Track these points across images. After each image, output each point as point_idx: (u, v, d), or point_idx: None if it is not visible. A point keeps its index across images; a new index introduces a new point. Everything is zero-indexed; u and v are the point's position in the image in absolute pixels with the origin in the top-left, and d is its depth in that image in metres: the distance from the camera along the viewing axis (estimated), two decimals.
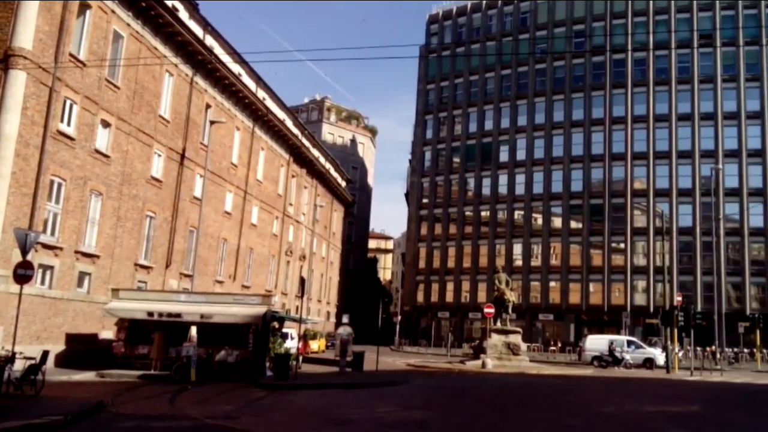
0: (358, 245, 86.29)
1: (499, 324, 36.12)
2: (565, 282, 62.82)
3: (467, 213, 69.31)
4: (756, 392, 25.26)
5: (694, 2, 62.06)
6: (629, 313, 56.20)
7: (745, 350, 49.71)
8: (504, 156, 68.16)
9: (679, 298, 38.52)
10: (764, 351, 48.79)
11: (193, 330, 22.75)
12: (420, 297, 70.02)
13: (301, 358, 28.33)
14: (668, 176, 60.67)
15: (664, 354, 36.42)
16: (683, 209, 59.83)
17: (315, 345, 45.01)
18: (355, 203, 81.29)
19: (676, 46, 61.83)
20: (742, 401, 21.86)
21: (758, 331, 41.98)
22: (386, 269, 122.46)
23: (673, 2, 62.75)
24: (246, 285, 42.63)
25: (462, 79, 72.11)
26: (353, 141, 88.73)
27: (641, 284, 60.37)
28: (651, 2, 63.45)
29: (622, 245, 61.27)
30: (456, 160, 71.32)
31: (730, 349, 49.26)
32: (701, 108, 60.72)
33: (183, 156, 32.88)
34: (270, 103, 46.57)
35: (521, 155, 67.11)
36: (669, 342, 35.60)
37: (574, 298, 62.14)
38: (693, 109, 60.81)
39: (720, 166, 56.58)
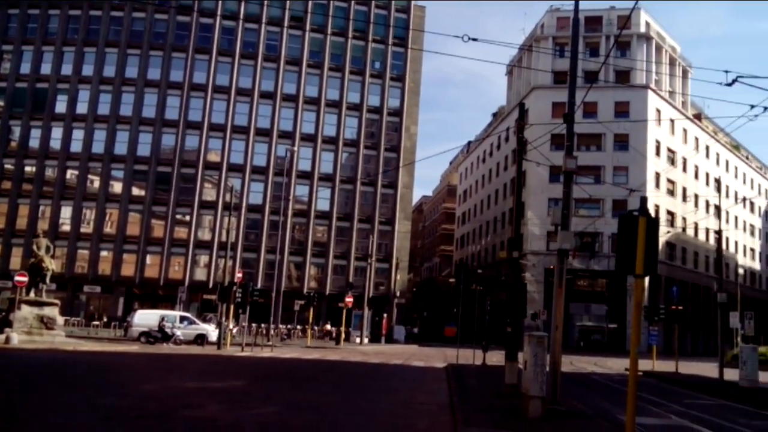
0: None
1: (33, 295, 33.03)
2: (118, 252, 60.79)
3: (7, 166, 62.07)
4: (301, 366, 27.55)
5: None
6: (186, 288, 57.14)
7: (299, 327, 55.32)
8: (61, 107, 62.75)
9: (240, 275, 40.22)
10: (315, 328, 54.95)
11: None
12: None
13: None
14: (244, 152, 63.20)
15: (218, 330, 37.58)
16: (255, 186, 63.09)
17: None
18: None
19: (267, 23, 64.78)
20: (286, 375, 23.52)
21: (312, 309, 46.79)
22: None
23: None
24: None
25: (18, 11, 63.95)
26: None
27: (204, 259, 61.95)
28: None
29: (188, 218, 61.89)
30: None
31: (285, 326, 53.93)
32: (284, 89, 64.68)
33: None
34: None
35: (82, 108, 62.62)
36: (223, 318, 36.93)
37: (128, 270, 60.60)
38: (276, 89, 64.36)
39: (295, 148, 61.08)
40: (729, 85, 14.88)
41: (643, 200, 9.06)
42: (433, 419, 13.63)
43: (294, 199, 62.10)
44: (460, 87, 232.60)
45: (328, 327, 53.11)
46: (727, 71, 14.89)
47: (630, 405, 8.42)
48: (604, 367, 35.13)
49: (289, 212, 61.47)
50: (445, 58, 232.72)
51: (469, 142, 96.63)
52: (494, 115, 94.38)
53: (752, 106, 16.61)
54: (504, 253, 64.00)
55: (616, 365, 36.24)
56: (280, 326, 53.14)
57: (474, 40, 14.89)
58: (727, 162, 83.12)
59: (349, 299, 48.96)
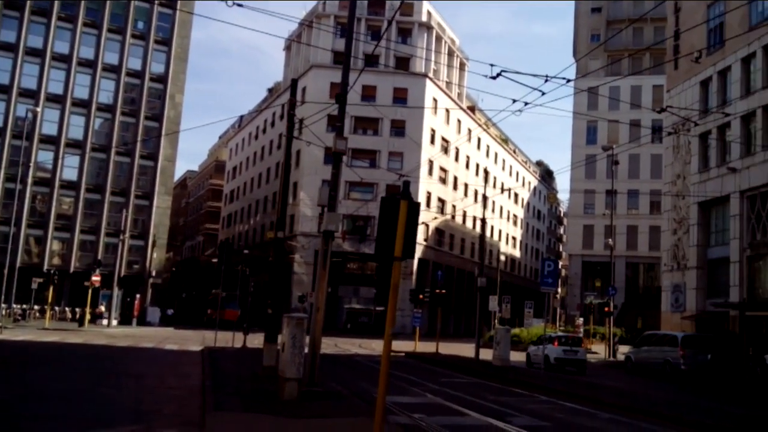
0: None
1: None
2: None
3: None
4: (35, 349, 26.38)
5: None
6: None
7: (36, 307, 52.01)
8: None
9: None
10: (57, 308, 52.08)
11: None
12: None
13: None
14: None
15: None
16: None
17: None
18: None
19: None
20: (15, 359, 22.33)
21: (52, 288, 44.19)
22: None
23: None
24: None
25: None
26: None
27: None
28: None
29: None
30: None
31: (20, 306, 50.82)
32: (28, 41, 59.45)
33: None
34: None
35: None
36: None
37: None
38: (18, 41, 58.90)
39: (39, 108, 56.59)
40: (494, 78, 16.19)
41: (406, 184, 9.61)
42: (181, 404, 13.62)
43: (36, 166, 57.76)
44: (236, 59, 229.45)
45: (102, 308, 50.53)
46: (492, 65, 16.20)
47: (381, 383, 8.98)
48: (368, 349, 36.95)
49: (29, 180, 57.15)
50: (220, 26, 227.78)
51: (242, 117, 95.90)
52: (270, 90, 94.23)
53: (514, 101, 18.17)
54: (271, 234, 64.46)
55: (380, 347, 37.82)
56: (14, 306, 49.65)
57: (239, 5, 14.74)
58: (496, 154, 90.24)
59: (96, 278, 46.88)
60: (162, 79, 63.83)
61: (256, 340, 30.78)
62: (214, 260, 49.92)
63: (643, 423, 14.65)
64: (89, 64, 61.21)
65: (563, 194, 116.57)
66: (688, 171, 41.97)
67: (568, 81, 16.89)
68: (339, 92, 17.07)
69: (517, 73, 16.39)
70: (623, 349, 37.46)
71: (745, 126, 36.99)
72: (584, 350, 29.92)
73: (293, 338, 13.47)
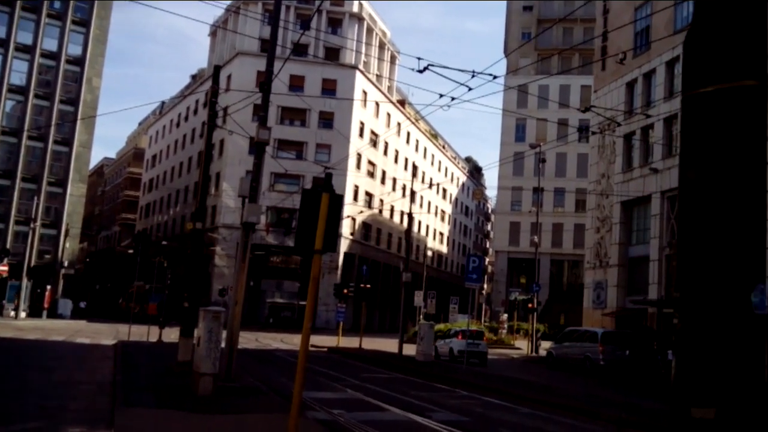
0: None
1: None
2: None
3: None
4: None
5: None
6: None
7: None
8: None
9: None
10: None
11: None
12: None
13: None
14: None
15: None
16: None
17: None
18: None
19: None
20: None
21: None
22: None
23: None
24: None
25: None
26: None
27: None
28: None
29: None
30: None
31: None
32: None
33: None
34: None
35: None
36: None
37: None
38: None
39: None
40: (421, 71, 16.20)
41: (328, 176, 9.54)
42: (90, 400, 13.29)
43: None
44: (160, 43, 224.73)
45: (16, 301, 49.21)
46: (420, 58, 16.25)
47: (298, 377, 8.86)
48: (289, 344, 36.80)
49: None
50: (143, 8, 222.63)
51: (163, 103, 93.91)
52: (193, 77, 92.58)
53: (441, 95, 18.22)
54: (191, 225, 63.35)
55: None
56: None
57: None
58: (425, 149, 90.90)
59: (4, 267, 45.50)
60: (79, 61, 62.04)
61: (172, 335, 30.31)
62: (131, 251, 49.00)
63: (562, 417, 15.00)
64: (1, 44, 58.99)
65: (491, 191, 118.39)
66: (612, 171, 43.10)
67: (495, 77, 17.08)
68: (263, 80, 16.91)
69: (444, 67, 16.44)
70: (546, 345, 38.31)
71: (668, 128, 38.20)
72: (485, 344, 32.36)
73: (209, 332, 13.32)
